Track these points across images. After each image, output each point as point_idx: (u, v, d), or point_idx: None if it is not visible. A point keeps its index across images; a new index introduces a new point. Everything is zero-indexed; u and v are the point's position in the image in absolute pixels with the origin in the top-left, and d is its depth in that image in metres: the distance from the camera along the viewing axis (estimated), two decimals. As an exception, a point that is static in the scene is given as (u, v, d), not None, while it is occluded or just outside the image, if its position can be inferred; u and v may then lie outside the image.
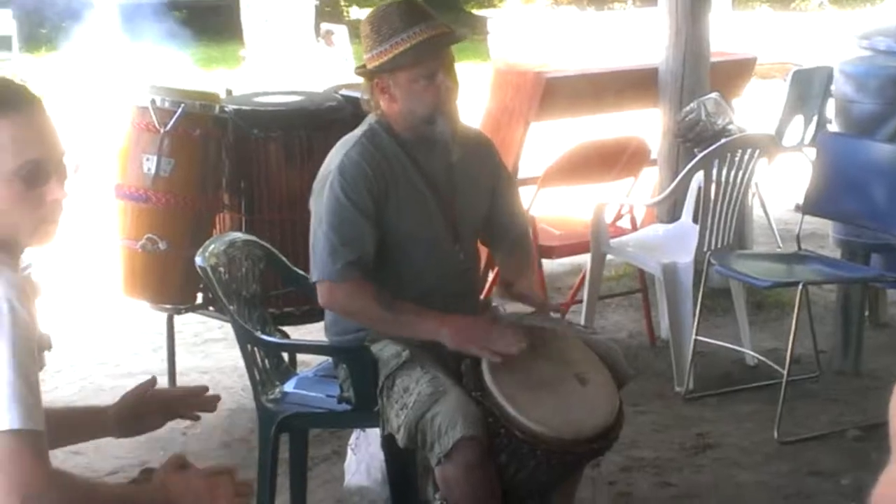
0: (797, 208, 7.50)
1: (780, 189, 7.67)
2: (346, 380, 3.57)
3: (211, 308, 4.91)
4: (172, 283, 4.81)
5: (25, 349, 2.03)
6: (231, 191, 4.90)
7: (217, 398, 2.74)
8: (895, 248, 4.97)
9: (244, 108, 4.95)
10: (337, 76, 10.98)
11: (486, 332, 3.32)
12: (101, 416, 2.58)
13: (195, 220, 4.79)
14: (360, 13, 22.06)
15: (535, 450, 3.23)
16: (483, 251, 3.90)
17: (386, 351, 3.47)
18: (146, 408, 2.61)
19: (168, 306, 4.96)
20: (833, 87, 6.42)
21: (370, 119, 3.56)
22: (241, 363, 3.85)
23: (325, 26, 14.69)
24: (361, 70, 3.53)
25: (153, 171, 4.70)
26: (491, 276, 5.34)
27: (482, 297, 4.06)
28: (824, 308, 5.59)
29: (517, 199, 3.85)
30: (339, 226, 3.40)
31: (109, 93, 10.77)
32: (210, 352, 5.67)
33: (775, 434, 4.64)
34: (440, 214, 3.53)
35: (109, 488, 2.22)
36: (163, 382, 5.03)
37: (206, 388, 2.75)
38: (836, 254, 5.45)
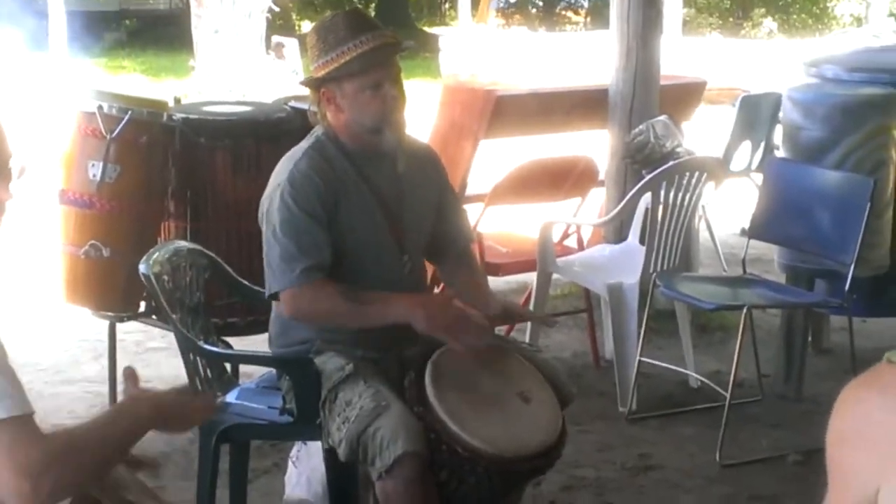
0: (742, 232, 7.59)
1: (726, 213, 7.73)
2: (289, 392, 3.54)
3: (154, 316, 4.86)
4: (115, 290, 4.76)
5: None
6: (177, 199, 4.86)
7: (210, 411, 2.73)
8: (839, 275, 4.99)
9: (192, 116, 4.91)
10: (286, 88, 10.95)
11: (456, 317, 3.32)
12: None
13: (140, 227, 4.75)
14: (311, 27, 22.06)
15: (476, 466, 3.21)
16: (429, 268, 3.89)
17: (329, 364, 3.45)
18: None
19: (110, 314, 4.90)
20: (781, 114, 6.47)
21: (317, 131, 3.55)
22: (182, 373, 3.81)
23: (276, 39, 14.68)
24: (308, 80, 3.52)
25: (98, 177, 4.66)
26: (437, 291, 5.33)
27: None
28: (767, 332, 5.62)
29: (462, 214, 3.85)
30: (294, 235, 3.38)
31: (56, 98, 10.69)
32: (151, 360, 5.62)
33: (717, 457, 4.65)
34: (387, 225, 3.52)
35: (99, 422, 2.23)
36: (103, 390, 5.05)
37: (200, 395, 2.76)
38: (781, 279, 5.48)
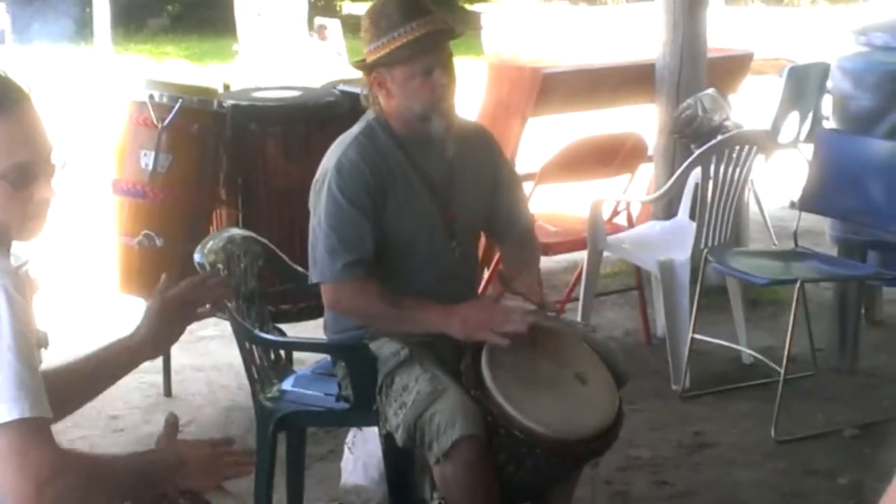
0: (792, 205, 7.54)
1: (774, 186, 7.67)
2: (345, 378, 3.56)
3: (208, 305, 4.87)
4: (169, 279, 4.76)
5: (25, 336, 2.02)
6: (228, 186, 4.87)
7: (224, 289, 2.87)
8: (892, 246, 4.96)
9: (242, 102, 4.92)
10: (330, 70, 10.95)
11: (491, 314, 3.31)
12: (128, 344, 2.62)
13: (192, 215, 4.78)
14: (353, 7, 22.03)
15: (534, 449, 3.21)
16: (480, 248, 3.89)
17: (385, 349, 3.46)
18: (171, 314, 2.66)
19: (164, 303, 4.92)
20: (830, 84, 6.42)
21: (368, 116, 3.54)
22: (236, 361, 3.84)
23: (318, 20, 14.67)
24: (360, 63, 3.52)
25: (150, 166, 4.69)
26: (487, 273, 5.33)
27: (480, 292, 4.05)
28: (819, 306, 5.58)
29: (521, 194, 3.83)
30: (339, 226, 3.39)
31: (103, 88, 10.75)
32: (205, 350, 5.65)
33: (772, 432, 4.63)
34: (437, 213, 3.51)
35: (120, 461, 2.23)
36: (158, 381, 5.09)
37: (210, 276, 2.85)
38: (833, 251, 5.44)
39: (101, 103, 9.38)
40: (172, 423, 2.38)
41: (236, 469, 2.36)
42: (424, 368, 3.35)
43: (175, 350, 5.10)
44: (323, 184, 3.43)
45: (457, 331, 3.33)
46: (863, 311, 5.51)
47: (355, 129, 3.53)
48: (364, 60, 3.48)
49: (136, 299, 5.01)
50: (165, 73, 13.92)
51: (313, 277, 3.46)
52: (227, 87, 5.26)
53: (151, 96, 4.69)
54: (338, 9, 22.06)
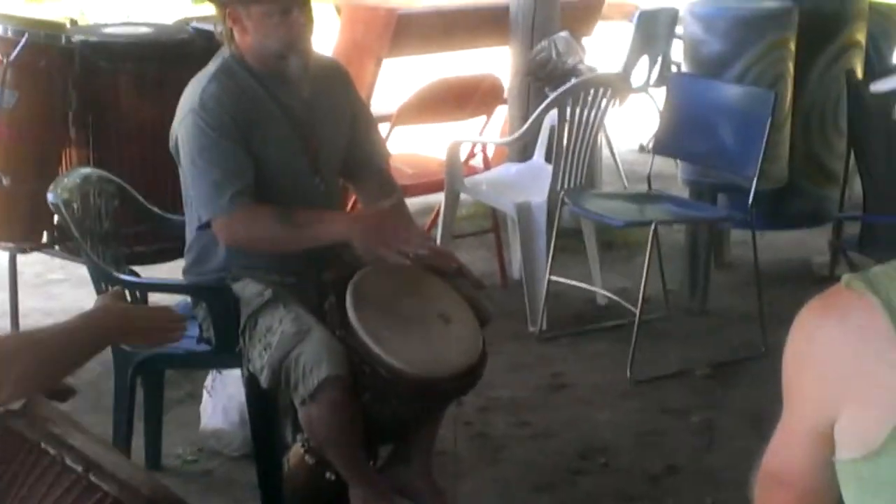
0: (641, 148, 7.65)
1: (624, 130, 7.75)
2: (206, 320, 3.50)
3: (57, 247, 4.75)
4: (16, 220, 4.63)
5: None
6: (78, 125, 4.71)
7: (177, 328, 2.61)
8: (741, 189, 5.04)
9: (92, 38, 4.76)
10: (174, 10, 10.71)
11: (394, 230, 3.30)
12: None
13: (40, 154, 4.62)
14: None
15: (398, 388, 3.22)
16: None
17: (247, 290, 3.41)
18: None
19: (11, 245, 4.77)
20: (681, 28, 6.50)
21: (223, 53, 3.48)
22: (87, 304, 3.70)
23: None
24: (214, -1, 3.44)
25: (-5, 103, 4.51)
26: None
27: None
28: (671, 248, 5.66)
29: (377, 133, 3.80)
30: (216, 160, 3.31)
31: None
32: (54, 293, 5.50)
33: (628, 373, 4.69)
34: (300, 146, 3.47)
35: (63, 332, 2.17)
36: (4, 324, 4.93)
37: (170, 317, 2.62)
38: (684, 194, 5.52)
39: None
40: (119, 293, 2.45)
41: (171, 333, 2.45)
42: (288, 309, 3.32)
43: (22, 294, 4.98)
44: (188, 123, 3.34)
45: (359, 239, 3.30)
46: (712, 253, 5.61)
47: (211, 66, 3.47)
48: (220, -5, 3.41)
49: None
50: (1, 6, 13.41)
51: (202, 217, 3.37)
52: (74, 23, 5.10)
53: (-4, 30, 4.51)
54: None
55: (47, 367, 2.05)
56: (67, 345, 2.13)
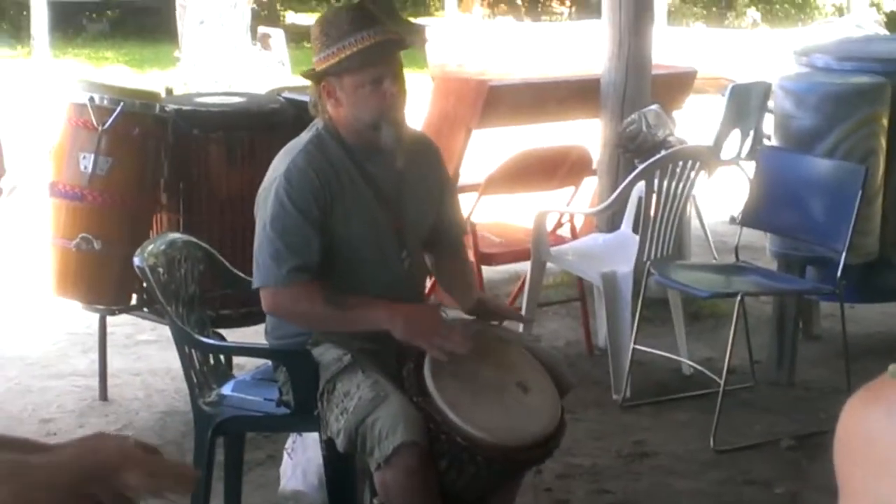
0: (732, 220, 7.61)
1: (715, 201, 7.73)
2: (286, 383, 3.53)
3: (145, 309, 4.84)
4: (106, 283, 4.73)
5: None
6: (169, 191, 4.84)
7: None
8: (829, 262, 5.01)
9: (185, 107, 4.89)
10: (273, 80, 10.92)
11: (436, 325, 3.31)
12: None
13: (132, 219, 4.73)
14: (296, 18, 22.00)
15: (475, 456, 3.21)
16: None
17: (327, 355, 3.44)
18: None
19: (101, 307, 4.88)
20: (771, 103, 6.49)
21: (317, 124, 3.52)
22: (173, 365, 3.80)
23: (261, 30, 14.64)
24: (309, 72, 3.50)
25: (90, 169, 4.63)
26: (430, 280, 5.32)
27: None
28: (758, 319, 5.62)
29: (457, 205, 3.83)
30: (284, 232, 3.36)
31: (42, 93, 10.64)
32: (142, 354, 5.60)
33: (711, 443, 4.65)
34: (387, 222, 3.50)
35: (36, 468, 2.11)
36: (93, 384, 5.03)
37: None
38: (772, 266, 5.49)
39: (40, 108, 9.29)
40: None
41: (179, 482, 2.25)
42: (367, 374, 3.33)
43: (111, 354, 5.09)
44: (270, 190, 3.40)
45: (400, 331, 3.32)
46: (800, 325, 5.56)
47: (304, 137, 3.51)
48: (313, 69, 3.47)
49: (70, 302, 4.97)
50: (105, 79, 13.80)
51: (256, 282, 3.43)
52: (170, 92, 5.23)
53: (92, 98, 4.64)
54: (281, 18, 22.03)
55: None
56: (48, 481, 2.06)
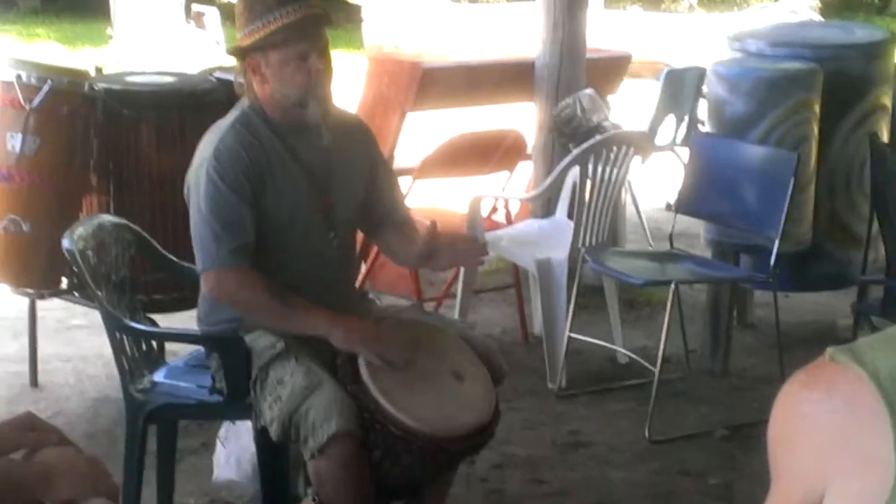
0: (668, 207, 7.61)
1: (651, 188, 7.74)
2: (219, 370, 3.48)
3: (76, 293, 4.75)
4: (36, 266, 4.64)
5: None
6: (99, 172, 4.74)
7: None
8: (763, 250, 5.02)
9: (115, 86, 4.80)
10: (208, 59, 10.79)
11: (375, 337, 3.29)
12: None
13: (61, 201, 4.63)
14: (232, -4, 21.74)
15: (410, 446, 3.19)
16: (357, 241, 3.84)
17: (260, 341, 3.39)
18: None
19: (30, 291, 4.78)
20: (705, 88, 6.49)
21: (243, 103, 3.48)
22: (105, 351, 3.73)
23: (195, 7, 14.46)
24: (234, 49, 3.45)
25: (18, 149, 4.53)
26: (365, 267, 5.28)
27: (357, 286, 4.00)
28: (693, 307, 5.63)
29: (397, 187, 3.79)
30: (220, 212, 3.32)
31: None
32: (73, 339, 5.50)
33: (646, 433, 4.65)
34: (315, 200, 3.46)
35: None
36: (23, 370, 4.94)
37: None
38: (707, 253, 5.49)
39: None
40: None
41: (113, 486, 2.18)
42: (300, 362, 3.30)
43: (42, 339, 4.99)
44: (201, 171, 3.35)
45: (338, 340, 3.29)
46: (735, 313, 5.57)
47: (230, 116, 3.47)
48: (238, 46, 3.42)
49: (1, 285, 4.87)
50: (36, 56, 13.57)
51: (199, 267, 3.38)
52: (99, 71, 5.13)
53: (19, 76, 4.53)
54: (215, -3, 21.77)
55: None
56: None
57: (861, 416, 1.31)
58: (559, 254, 5.14)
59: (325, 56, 3.39)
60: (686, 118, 7.65)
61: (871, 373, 1.32)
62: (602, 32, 10.61)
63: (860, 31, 5.94)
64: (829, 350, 1.37)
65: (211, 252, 3.33)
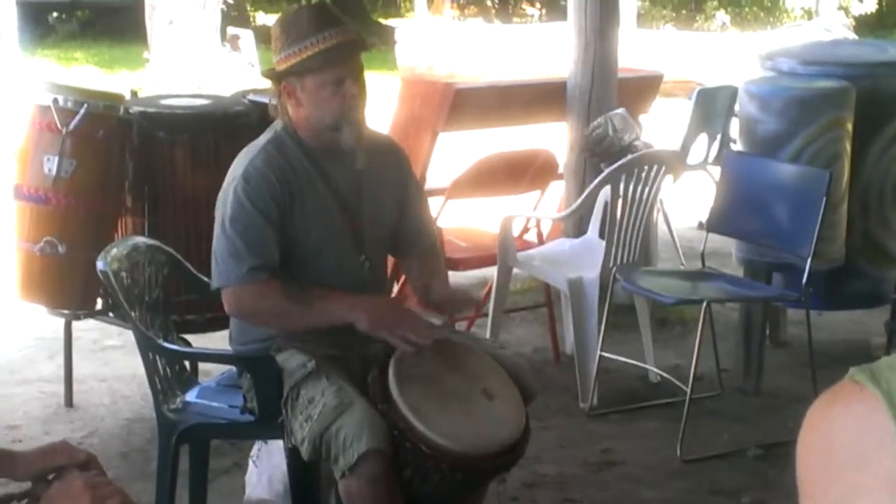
0: (700, 226, 7.61)
1: (683, 207, 7.73)
2: (250, 390, 3.51)
3: (111, 314, 4.81)
4: (72, 287, 4.70)
5: None
6: (134, 194, 4.81)
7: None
8: (795, 268, 5.00)
9: (150, 110, 4.86)
10: (243, 81, 10.88)
11: (400, 317, 3.31)
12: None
13: (96, 223, 4.69)
14: (266, 19, 21.92)
15: (440, 464, 3.19)
16: (388, 262, 3.86)
17: (291, 361, 3.41)
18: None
19: (66, 311, 4.84)
20: (737, 107, 6.49)
21: (276, 125, 3.51)
22: (140, 371, 3.77)
23: (231, 30, 14.58)
24: (269, 72, 3.49)
25: (54, 171, 4.60)
26: (396, 287, 5.30)
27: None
28: (725, 326, 5.62)
29: (426, 209, 3.82)
30: (244, 231, 3.34)
31: (10, 92, 10.56)
32: (108, 359, 5.55)
33: (678, 451, 4.64)
34: (345, 225, 3.48)
35: None
36: (59, 390, 4.99)
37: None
38: (739, 272, 5.49)
39: (6, 108, 9.21)
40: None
41: None
42: (331, 381, 3.32)
43: (77, 359, 5.04)
44: (229, 190, 3.38)
45: (363, 322, 3.31)
46: (767, 332, 5.56)
47: (263, 138, 3.49)
48: (274, 69, 3.45)
49: (35, 307, 4.92)
50: (74, 79, 13.70)
51: (215, 283, 3.40)
52: (135, 94, 5.19)
53: (56, 100, 4.60)
54: (251, 19, 21.94)
55: None
56: None
57: (876, 436, 1.32)
58: (591, 273, 5.15)
59: (359, 81, 3.42)
60: (718, 137, 7.65)
61: (885, 392, 1.33)
62: (634, 51, 10.65)
63: (893, 50, 5.92)
64: (852, 370, 1.39)
65: (230, 269, 3.35)
